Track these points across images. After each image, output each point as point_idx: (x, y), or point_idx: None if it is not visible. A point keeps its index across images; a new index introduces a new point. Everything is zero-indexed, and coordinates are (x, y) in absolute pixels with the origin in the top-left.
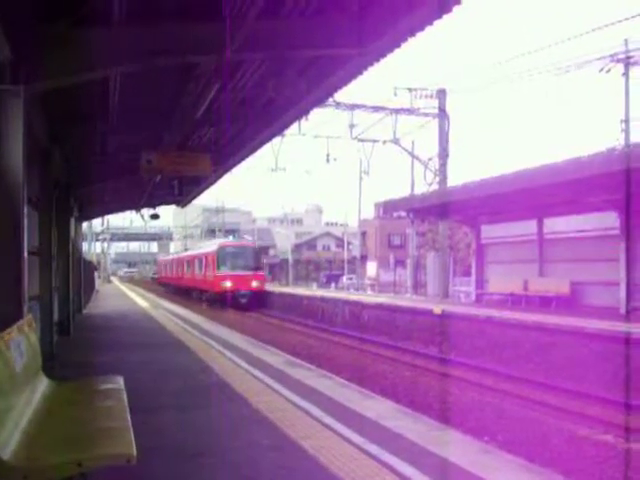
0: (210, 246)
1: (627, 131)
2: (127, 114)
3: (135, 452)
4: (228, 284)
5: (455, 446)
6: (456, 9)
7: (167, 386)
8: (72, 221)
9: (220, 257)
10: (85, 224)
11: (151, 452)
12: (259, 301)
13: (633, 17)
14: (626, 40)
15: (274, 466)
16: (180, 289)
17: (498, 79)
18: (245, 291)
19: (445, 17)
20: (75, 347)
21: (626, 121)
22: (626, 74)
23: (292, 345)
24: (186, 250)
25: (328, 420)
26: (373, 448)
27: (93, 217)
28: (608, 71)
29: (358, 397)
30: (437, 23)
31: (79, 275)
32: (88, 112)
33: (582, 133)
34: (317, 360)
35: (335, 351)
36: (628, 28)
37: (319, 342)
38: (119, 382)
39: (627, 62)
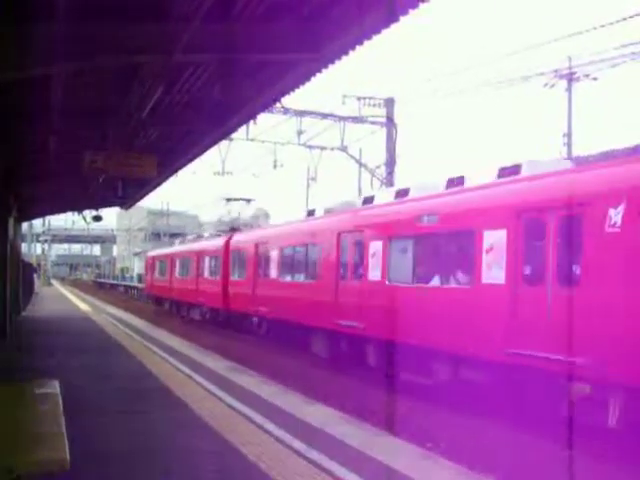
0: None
1: (569, 144)
2: (70, 112)
3: (69, 457)
4: None
5: (397, 452)
6: (403, 19)
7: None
8: (11, 221)
9: None
10: (25, 224)
11: (87, 458)
12: None
13: (578, 33)
14: (569, 57)
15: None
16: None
17: (447, 90)
18: None
19: (393, 27)
20: (12, 350)
21: (568, 135)
22: (569, 90)
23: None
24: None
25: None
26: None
27: (34, 217)
28: (552, 86)
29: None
30: (386, 32)
31: (17, 277)
32: (30, 110)
33: (529, 145)
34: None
35: None
36: (571, 44)
37: None
38: (54, 386)
39: (570, 78)
